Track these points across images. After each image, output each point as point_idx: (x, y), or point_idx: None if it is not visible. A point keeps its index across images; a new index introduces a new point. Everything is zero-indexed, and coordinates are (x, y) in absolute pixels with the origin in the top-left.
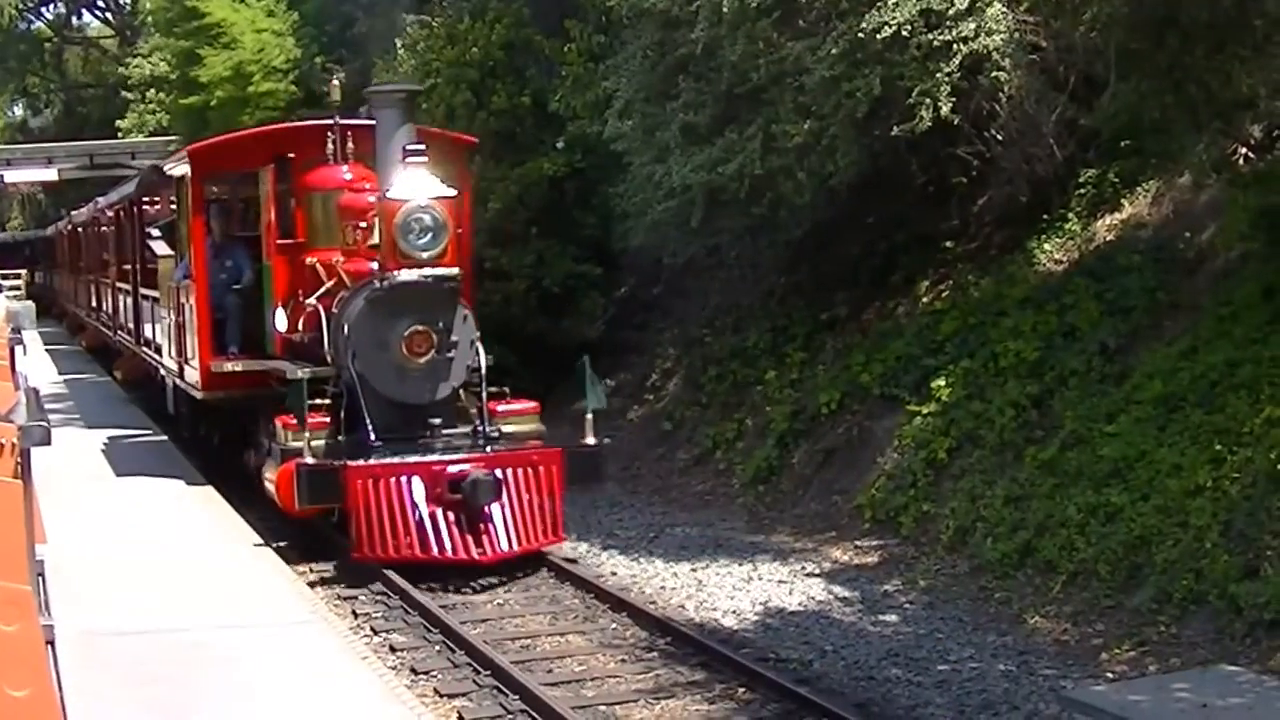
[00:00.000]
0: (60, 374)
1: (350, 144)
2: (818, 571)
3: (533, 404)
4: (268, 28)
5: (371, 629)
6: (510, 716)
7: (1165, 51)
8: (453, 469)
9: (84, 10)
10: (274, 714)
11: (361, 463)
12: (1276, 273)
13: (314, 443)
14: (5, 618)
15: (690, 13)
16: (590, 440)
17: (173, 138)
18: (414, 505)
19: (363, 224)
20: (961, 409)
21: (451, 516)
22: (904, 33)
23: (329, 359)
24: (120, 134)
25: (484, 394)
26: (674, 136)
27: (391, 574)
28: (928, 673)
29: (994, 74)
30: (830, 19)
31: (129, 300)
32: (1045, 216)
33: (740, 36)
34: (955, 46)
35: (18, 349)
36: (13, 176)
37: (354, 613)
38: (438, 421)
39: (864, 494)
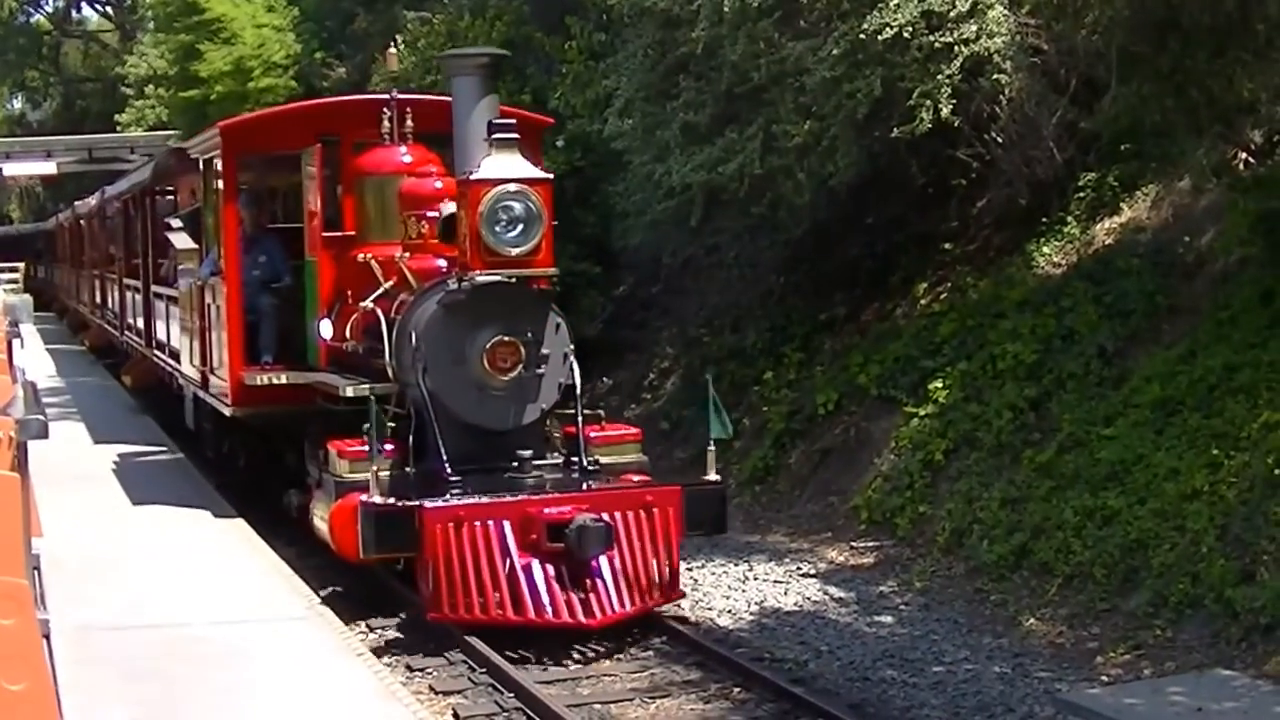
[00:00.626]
0: (63, 377)
1: (409, 122)
2: (813, 572)
3: (633, 430)
4: (268, 23)
5: (367, 626)
6: (505, 714)
7: (1166, 55)
8: (551, 511)
9: (83, 4)
10: (269, 710)
11: (440, 503)
12: (1275, 277)
13: (380, 475)
14: (2, 612)
15: (691, 12)
16: (712, 476)
17: (172, 132)
18: (505, 556)
19: (431, 214)
20: (959, 411)
21: (550, 570)
22: (905, 34)
23: (390, 374)
24: (119, 129)
25: (580, 417)
26: (674, 136)
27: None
28: (923, 674)
29: (995, 76)
30: (831, 20)
31: (138, 298)
32: (1044, 219)
33: (741, 36)
34: (956, 48)
35: (15, 342)
36: (11, 170)
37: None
38: (527, 453)
39: (860, 495)
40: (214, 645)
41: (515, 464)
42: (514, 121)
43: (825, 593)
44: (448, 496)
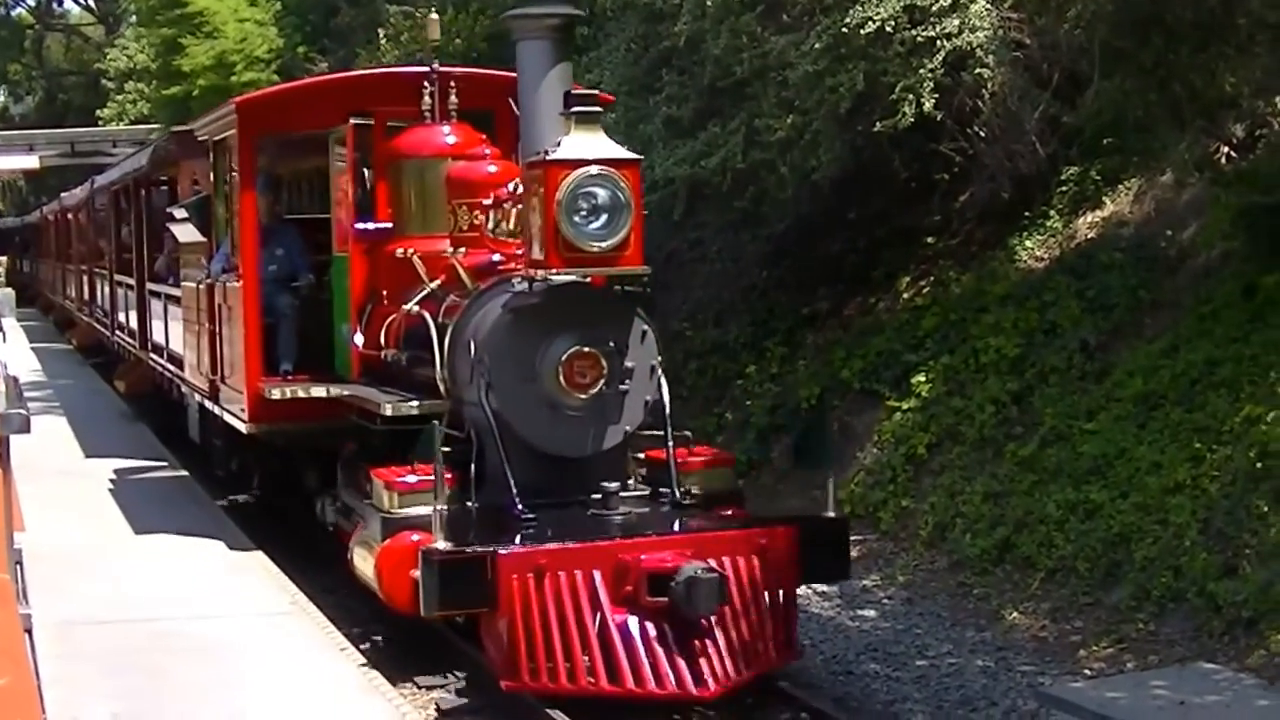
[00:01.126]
0: (49, 377)
1: (454, 97)
2: None
3: (725, 453)
4: (250, 17)
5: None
6: (487, 707)
7: (1149, 50)
8: (650, 557)
9: None
10: (253, 703)
11: (517, 548)
12: (1257, 271)
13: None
14: None
15: (674, 6)
16: (830, 513)
17: (154, 127)
18: (598, 612)
19: (486, 201)
20: (942, 405)
21: (652, 630)
22: (887, 28)
23: (442, 389)
24: (101, 123)
25: (670, 441)
26: (657, 130)
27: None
28: (906, 668)
29: (977, 70)
30: (814, 13)
31: (131, 295)
32: (1027, 213)
33: (724, 30)
34: (939, 43)
35: None
36: None
37: None
38: (614, 485)
39: (843, 489)
40: (197, 640)
41: (599, 498)
42: (596, 93)
43: (808, 587)
44: (519, 539)
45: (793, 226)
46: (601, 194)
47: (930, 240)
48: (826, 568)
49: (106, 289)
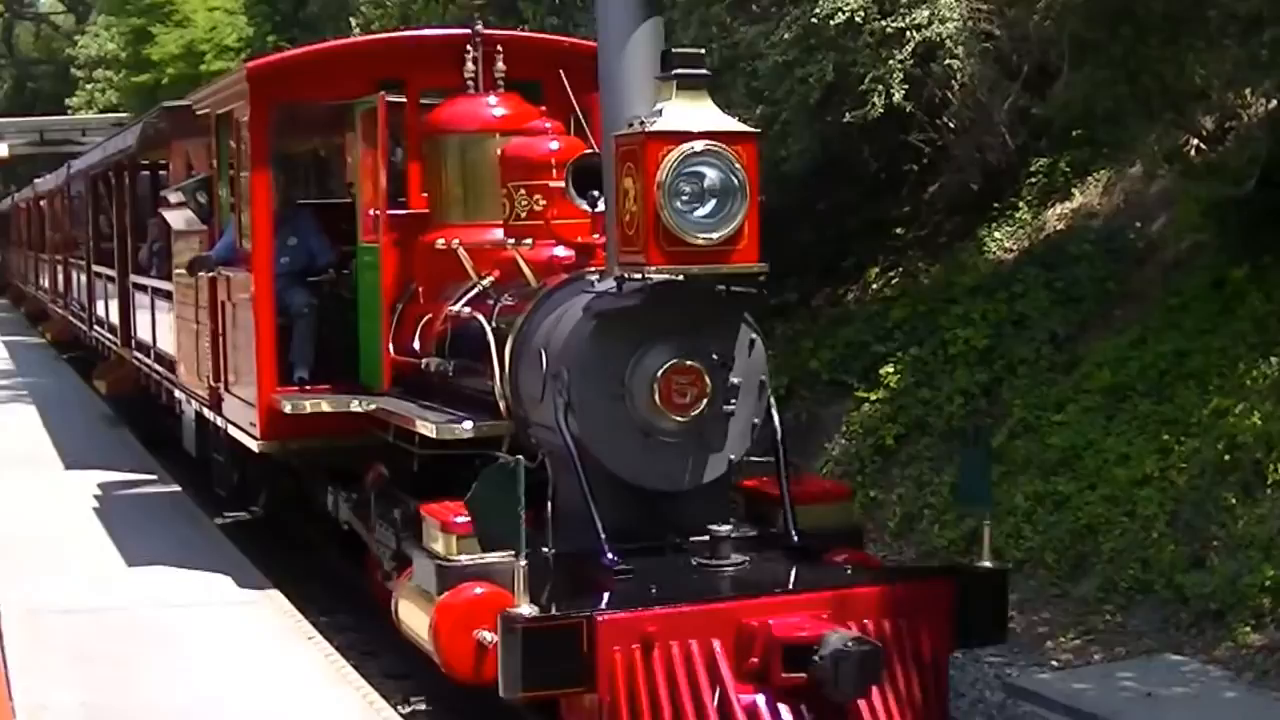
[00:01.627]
0: (22, 375)
1: (500, 64)
2: None
3: (841, 485)
4: (220, 6)
5: (319, 609)
6: (454, 697)
7: (1119, 41)
8: (782, 623)
9: None
10: (221, 692)
11: (618, 612)
12: (1226, 264)
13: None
14: None
15: None
16: (987, 562)
17: (123, 116)
18: (718, 690)
19: (552, 184)
20: (910, 396)
21: (786, 714)
22: (857, 19)
23: (502, 407)
24: (70, 112)
25: (784, 472)
26: None
27: None
28: None
29: (947, 61)
30: (784, 4)
31: (111, 287)
32: (996, 205)
33: (693, 21)
34: (908, 33)
35: None
36: None
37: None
38: (724, 529)
39: None
40: (165, 628)
41: (702, 541)
42: (703, 52)
43: None
44: (613, 598)
45: (762, 217)
46: (711, 174)
47: (899, 231)
48: (985, 628)
49: (84, 280)
